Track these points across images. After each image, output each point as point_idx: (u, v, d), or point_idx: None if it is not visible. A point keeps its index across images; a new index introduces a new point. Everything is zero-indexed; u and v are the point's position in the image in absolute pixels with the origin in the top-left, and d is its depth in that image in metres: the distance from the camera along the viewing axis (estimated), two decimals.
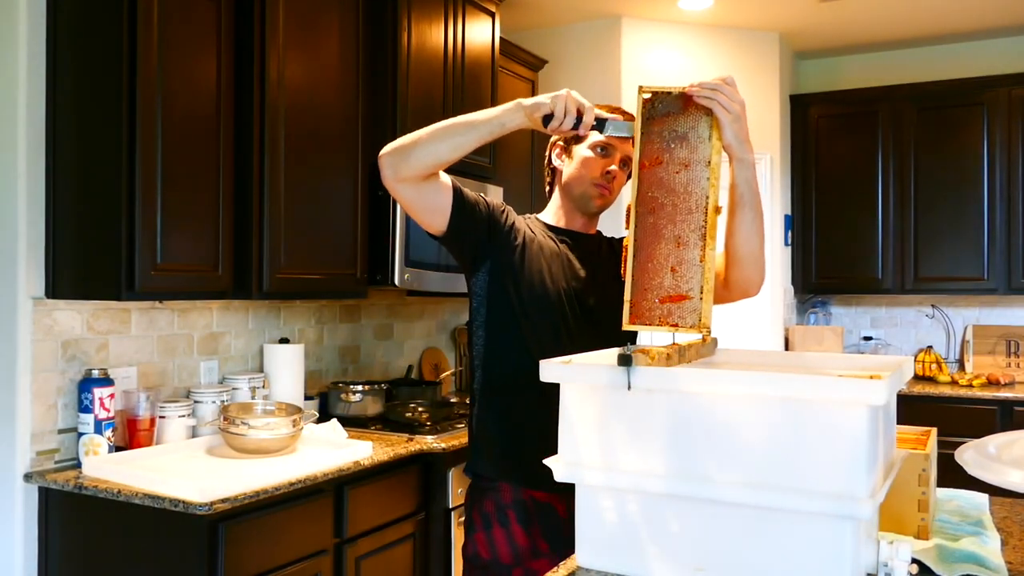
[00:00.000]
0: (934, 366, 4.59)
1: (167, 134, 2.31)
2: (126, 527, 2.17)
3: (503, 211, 1.81)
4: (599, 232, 1.96)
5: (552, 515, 1.72)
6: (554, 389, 1.60)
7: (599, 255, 1.88)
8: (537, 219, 1.92)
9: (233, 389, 2.80)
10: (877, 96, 4.73)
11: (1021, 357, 4.58)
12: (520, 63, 4.00)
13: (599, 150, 1.83)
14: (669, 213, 1.47)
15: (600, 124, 1.63)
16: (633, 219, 1.47)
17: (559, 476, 1.42)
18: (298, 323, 3.20)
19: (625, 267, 1.47)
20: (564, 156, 1.89)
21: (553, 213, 1.92)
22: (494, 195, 3.44)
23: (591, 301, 1.80)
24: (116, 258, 2.25)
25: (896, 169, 4.67)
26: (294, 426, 2.50)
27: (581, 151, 1.85)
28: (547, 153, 1.95)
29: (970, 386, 4.29)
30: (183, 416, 2.58)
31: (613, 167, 1.83)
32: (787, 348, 4.73)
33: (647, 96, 1.54)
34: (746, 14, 4.39)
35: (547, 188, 1.96)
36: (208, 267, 2.47)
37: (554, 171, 1.93)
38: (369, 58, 3.03)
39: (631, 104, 4.52)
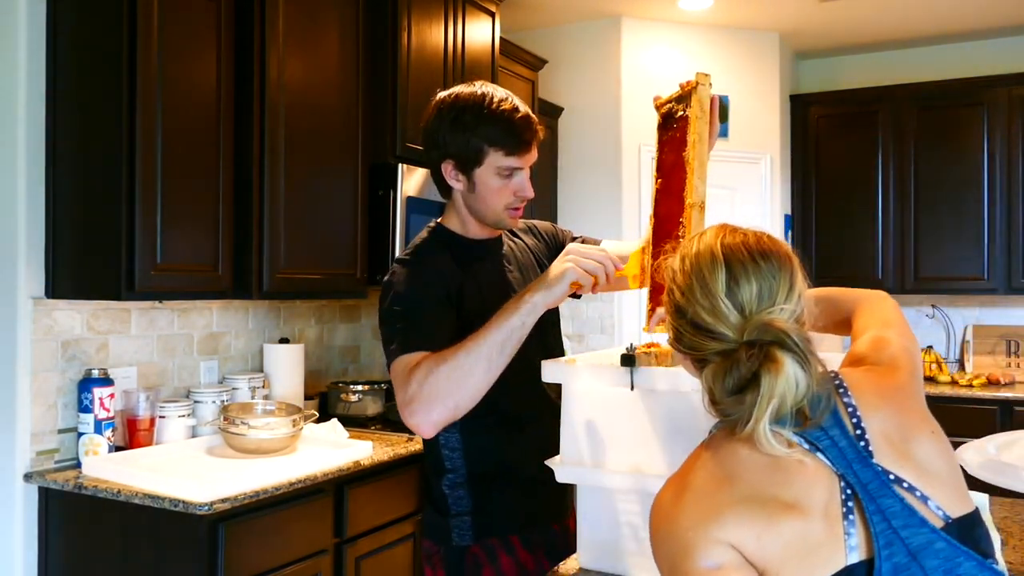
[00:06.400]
0: (934, 366, 4.59)
1: (167, 134, 2.31)
2: (126, 527, 2.16)
3: (449, 300, 1.61)
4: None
5: (552, 533, 1.71)
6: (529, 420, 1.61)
7: (515, 254, 1.78)
8: (446, 232, 1.71)
9: (233, 389, 2.79)
10: (877, 96, 4.72)
11: (1021, 357, 4.58)
12: (520, 63, 4.00)
13: (505, 174, 1.60)
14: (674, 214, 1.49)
15: None
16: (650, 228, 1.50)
17: (560, 477, 1.42)
18: (298, 323, 3.20)
19: (644, 273, 1.49)
20: (460, 177, 1.63)
21: (460, 222, 1.70)
22: None
23: None
24: (116, 258, 2.24)
25: (896, 169, 4.67)
26: (294, 426, 2.50)
27: (485, 178, 1.60)
28: (435, 162, 1.66)
29: (970, 386, 4.29)
30: (183, 416, 2.57)
31: (523, 189, 1.63)
32: None
33: (664, 111, 1.56)
34: (746, 14, 4.39)
35: (441, 193, 1.72)
36: (208, 267, 2.47)
37: (449, 186, 1.68)
38: (369, 58, 3.03)
39: (636, 105, 4.47)
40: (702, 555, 0.91)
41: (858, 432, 0.96)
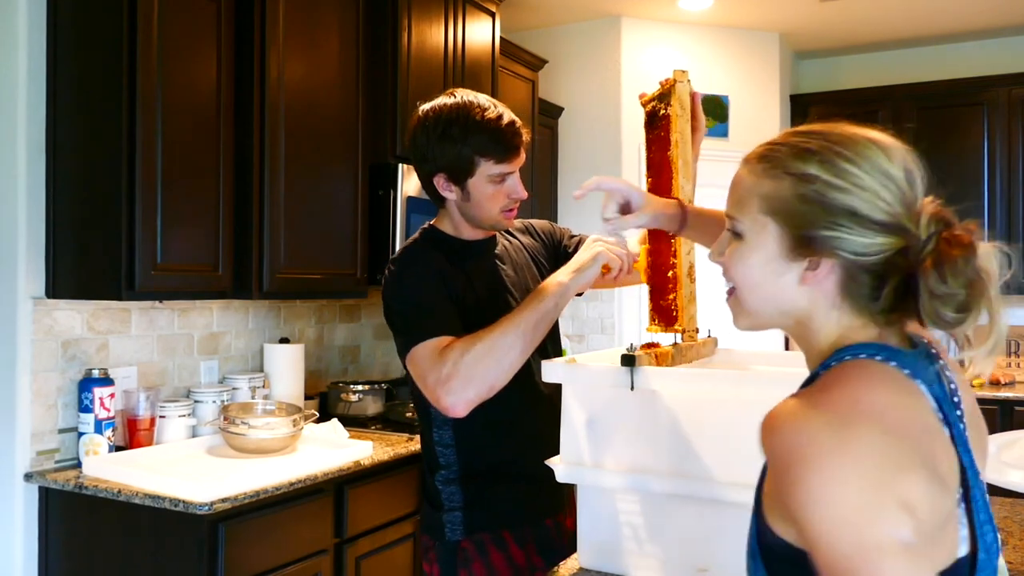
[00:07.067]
0: None
1: (167, 134, 2.31)
2: (126, 527, 2.16)
3: (449, 295, 1.62)
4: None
5: (544, 529, 1.71)
6: (528, 416, 1.62)
7: (509, 253, 1.78)
8: (438, 234, 1.72)
9: (233, 389, 2.79)
10: (877, 96, 4.72)
11: (1021, 357, 4.58)
12: (520, 63, 4.00)
13: (497, 180, 1.62)
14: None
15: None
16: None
17: (560, 477, 1.42)
18: (298, 323, 3.20)
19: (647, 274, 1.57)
20: (453, 188, 1.63)
21: (452, 226, 1.71)
22: None
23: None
24: (116, 258, 2.25)
25: None
26: (294, 426, 2.50)
27: (478, 186, 1.61)
28: (426, 176, 1.66)
29: (970, 386, 4.28)
30: (183, 416, 2.57)
31: (515, 191, 1.64)
32: (787, 348, 4.73)
33: (649, 109, 1.57)
34: (746, 14, 4.39)
35: (434, 201, 1.72)
36: (208, 267, 2.47)
37: (442, 195, 1.69)
38: (369, 58, 3.03)
39: (636, 105, 4.48)
40: (892, 523, 0.69)
41: (958, 412, 0.83)
